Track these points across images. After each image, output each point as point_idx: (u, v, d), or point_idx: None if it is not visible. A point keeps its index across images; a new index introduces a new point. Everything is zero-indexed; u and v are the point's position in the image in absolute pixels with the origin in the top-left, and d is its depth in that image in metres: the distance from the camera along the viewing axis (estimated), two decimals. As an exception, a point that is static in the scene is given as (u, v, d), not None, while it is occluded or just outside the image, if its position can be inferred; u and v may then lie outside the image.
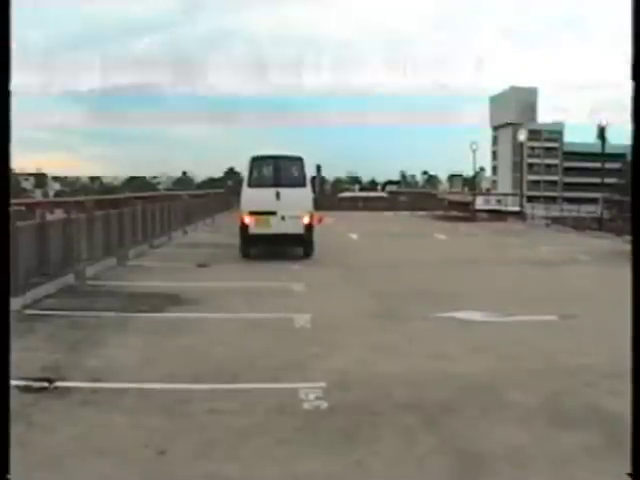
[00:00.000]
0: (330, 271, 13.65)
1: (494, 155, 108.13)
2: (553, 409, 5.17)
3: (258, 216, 15.31)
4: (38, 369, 6.01)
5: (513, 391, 5.61)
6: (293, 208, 15.27)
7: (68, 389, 5.54)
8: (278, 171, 15.75)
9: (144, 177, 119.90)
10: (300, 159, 15.80)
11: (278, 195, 15.25)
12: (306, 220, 15.40)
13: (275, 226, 15.24)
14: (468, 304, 9.63)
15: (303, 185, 15.50)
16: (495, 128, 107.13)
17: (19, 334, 7.01)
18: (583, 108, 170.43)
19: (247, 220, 15.42)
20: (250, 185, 15.59)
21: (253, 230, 15.34)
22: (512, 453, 4.26)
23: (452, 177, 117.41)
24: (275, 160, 15.88)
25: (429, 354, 6.88)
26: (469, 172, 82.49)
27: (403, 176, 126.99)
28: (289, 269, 13.66)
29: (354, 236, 23.08)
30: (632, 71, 1.77)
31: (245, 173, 16.00)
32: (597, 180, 48.34)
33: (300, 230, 15.34)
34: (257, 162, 15.89)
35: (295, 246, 15.91)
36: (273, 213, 15.29)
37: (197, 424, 4.80)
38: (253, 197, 15.41)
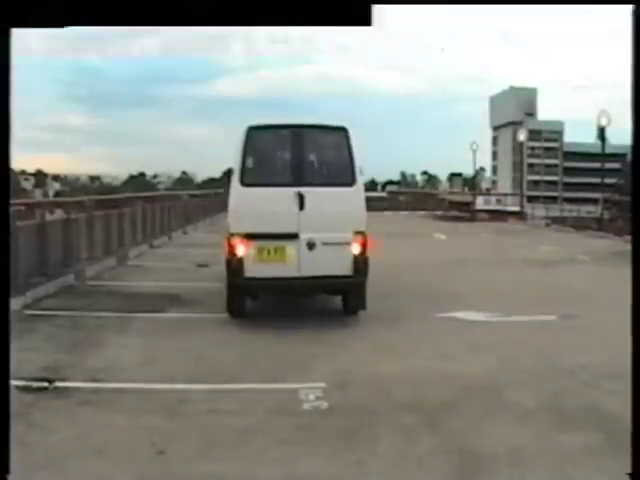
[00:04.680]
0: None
1: (494, 155, 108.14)
2: (553, 409, 5.17)
3: (262, 242, 8.01)
4: (38, 369, 6.01)
5: (513, 391, 5.61)
6: (331, 226, 8.10)
7: (68, 389, 5.55)
8: (300, 155, 8.36)
9: (144, 177, 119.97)
10: (344, 130, 8.35)
11: (302, 201, 8.04)
12: (356, 250, 8.11)
13: (296, 261, 8.05)
14: (468, 304, 9.62)
15: (350, 183, 8.23)
16: (495, 128, 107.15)
17: (19, 334, 7.00)
18: (583, 108, 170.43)
19: (240, 250, 8.03)
20: (244, 182, 8.15)
21: (252, 270, 8.00)
22: (512, 453, 4.26)
23: (452, 177, 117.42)
24: (294, 132, 8.37)
25: (429, 354, 6.88)
26: (469, 172, 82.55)
27: (403, 176, 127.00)
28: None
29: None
30: (632, 71, 1.78)
31: (237, 160, 8.20)
32: (597, 180, 48.35)
33: (346, 269, 8.09)
34: (259, 137, 8.42)
35: (332, 295, 9.01)
36: (293, 236, 8.04)
37: (197, 424, 4.80)
38: (251, 205, 8.12)
